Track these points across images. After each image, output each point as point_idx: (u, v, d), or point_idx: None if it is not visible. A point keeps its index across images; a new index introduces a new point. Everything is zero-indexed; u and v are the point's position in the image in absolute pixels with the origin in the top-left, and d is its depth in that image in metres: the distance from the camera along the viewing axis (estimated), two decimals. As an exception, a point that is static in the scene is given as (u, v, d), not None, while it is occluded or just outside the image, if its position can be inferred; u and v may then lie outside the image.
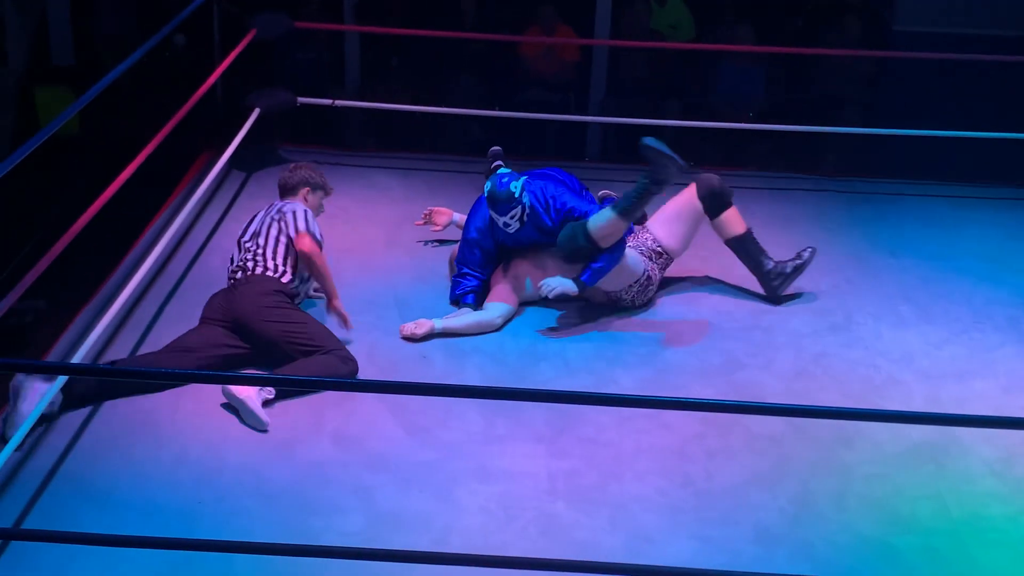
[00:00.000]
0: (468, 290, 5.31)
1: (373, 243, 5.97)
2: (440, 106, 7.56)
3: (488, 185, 5.25)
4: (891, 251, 6.06)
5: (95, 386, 4.52)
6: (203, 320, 4.86)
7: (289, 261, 4.94)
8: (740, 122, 7.65)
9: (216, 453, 4.32)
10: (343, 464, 4.29)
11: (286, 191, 5.27)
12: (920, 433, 4.53)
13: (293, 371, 4.60)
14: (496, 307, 5.21)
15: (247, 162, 6.66)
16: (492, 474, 4.26)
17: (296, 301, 4.98)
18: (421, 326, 5.07)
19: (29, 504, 4.02)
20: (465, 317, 5.18)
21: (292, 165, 5.37)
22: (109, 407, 4.52)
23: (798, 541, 4.01)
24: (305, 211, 5.07)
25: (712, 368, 4.98)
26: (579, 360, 5.00)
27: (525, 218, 5.23)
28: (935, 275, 5.82)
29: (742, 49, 8.16)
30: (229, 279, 4.98)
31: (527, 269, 5.30)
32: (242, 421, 4.46)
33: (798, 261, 5.45)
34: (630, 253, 5.24)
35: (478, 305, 5.26)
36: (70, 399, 4.45)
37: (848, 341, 5.20)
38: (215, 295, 4.93)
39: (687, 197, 5.43)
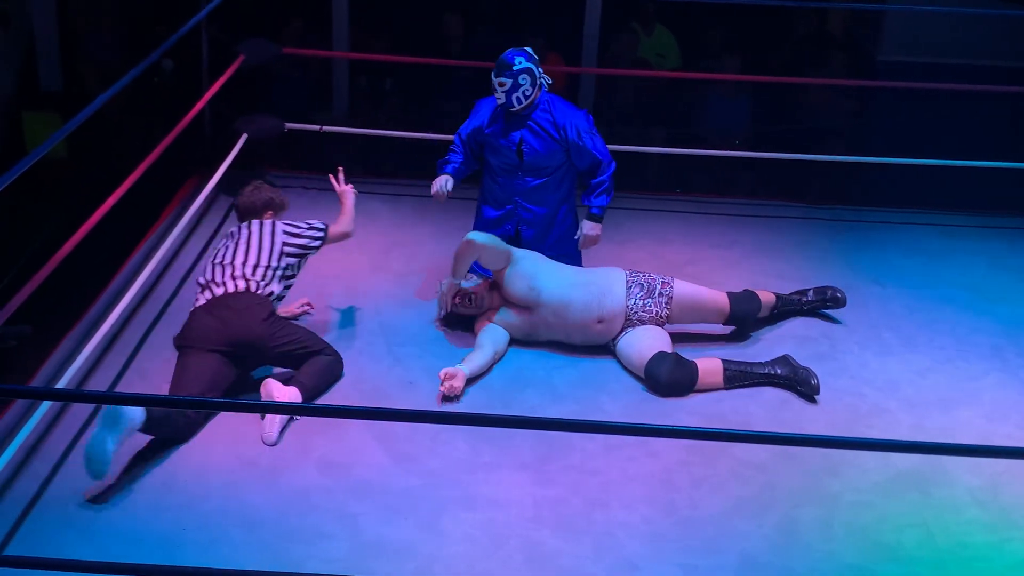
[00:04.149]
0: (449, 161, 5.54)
1: (360, 269, 5.96)
2: (428, 132, 7.57)
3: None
4: (876, 279, 6.08)
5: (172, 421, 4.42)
6: (193, 348, 4.65)
7: (274, 281, 4.91)
8: (726, 151, 7.68)
9: (201, 479, 4.31)
10: (327, 491, 4.28)
11: (250, 213, 5.14)
12: (905, 461, 4.54)
13: (306, 377, 4.73)
14: (489, 333, 5.17)
15: (235, 188, 6.64)
16: (477, 502, 4.26)
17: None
18: (456, 377, 4.85)
19: (12, 529, 4.00)
20: (479, 356, 5.04)
21: (250, 186, 5.24)
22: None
23: (783, 569, 4.01)
24: (290, 223, 5.08)
25: (698, 396, 4.98)
26: (565, 387, 5.01)
27: (513, 100, 5.29)
28: (919, 304, 5.85)
29: (727, 78, 8.20)
30: (203, 294, 4.80)
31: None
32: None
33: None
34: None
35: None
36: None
37: (833, 369, 5.22)
38: (199, 318, 4.71)
39: (715, 307, 5.31)
